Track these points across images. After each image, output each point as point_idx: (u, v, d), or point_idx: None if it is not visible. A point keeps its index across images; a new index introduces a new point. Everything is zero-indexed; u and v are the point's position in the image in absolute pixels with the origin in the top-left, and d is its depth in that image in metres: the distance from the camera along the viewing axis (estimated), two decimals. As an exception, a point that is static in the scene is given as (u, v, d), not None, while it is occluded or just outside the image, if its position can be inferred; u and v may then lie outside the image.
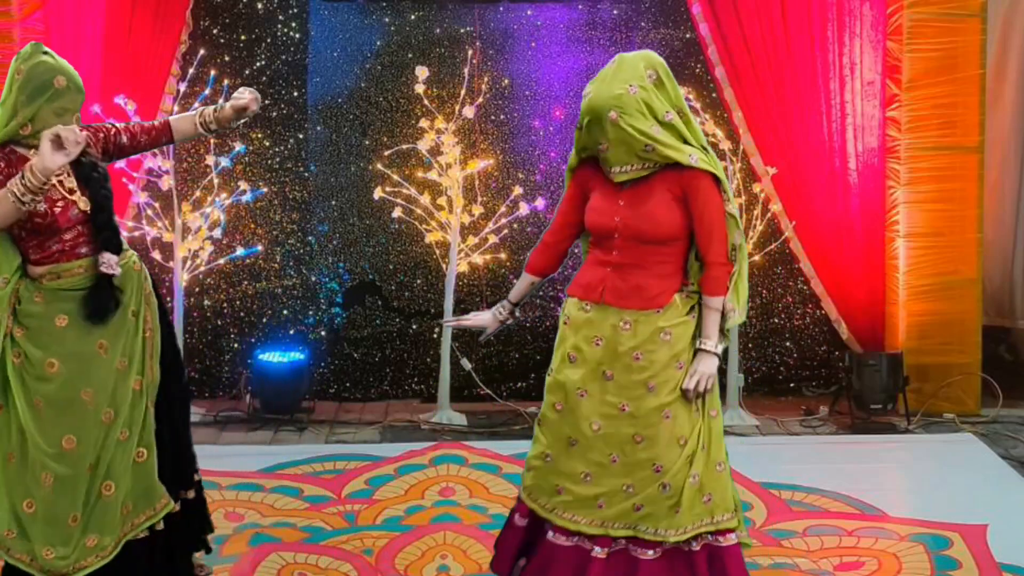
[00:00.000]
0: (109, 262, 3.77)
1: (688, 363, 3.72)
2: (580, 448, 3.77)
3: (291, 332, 7.15)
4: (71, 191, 3.77)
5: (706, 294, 3.72)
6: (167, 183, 6.63)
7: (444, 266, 6.81)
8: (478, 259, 6.90)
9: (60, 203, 3.74)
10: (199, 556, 4.25)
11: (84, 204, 3.79)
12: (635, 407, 3.71)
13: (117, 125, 4.03)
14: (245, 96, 3.93)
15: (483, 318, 4.14)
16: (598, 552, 3.76)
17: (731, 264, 3.72)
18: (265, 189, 7.02)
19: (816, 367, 7.23)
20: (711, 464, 3.75)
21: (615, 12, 7.15)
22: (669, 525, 3.71)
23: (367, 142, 7.14)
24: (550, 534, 3.87)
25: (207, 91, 6.71)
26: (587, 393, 3.77)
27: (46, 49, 3.85)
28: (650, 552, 3.75)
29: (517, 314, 4.14)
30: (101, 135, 3.95)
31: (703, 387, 3.68)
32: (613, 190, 3.74)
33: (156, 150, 6.62)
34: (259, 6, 7.08)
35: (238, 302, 7.17)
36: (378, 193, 6.76)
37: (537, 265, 4.05)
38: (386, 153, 6.97)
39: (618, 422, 3.73)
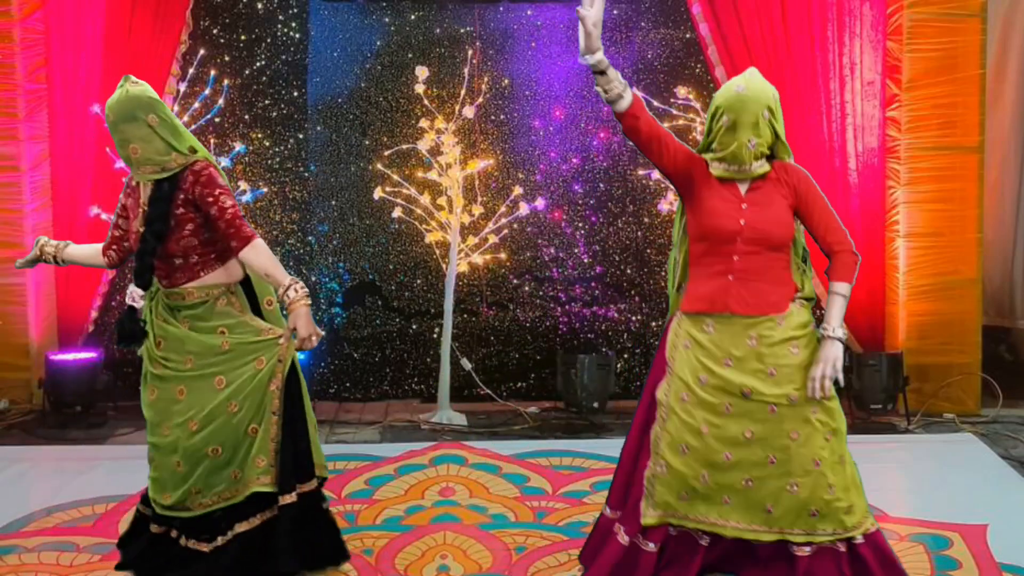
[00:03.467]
0: (132, 294, 4.01)
1: None
2: (736, 459, 3.76)
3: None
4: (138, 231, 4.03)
5: (834, 279, 3.76)
6: (167, 183, 6.62)
7: (444, 266, 6.81)
8: (478, 259, 6.91)
9: (132, 235, 4.08)
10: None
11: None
12: (782, 410, 3.73)
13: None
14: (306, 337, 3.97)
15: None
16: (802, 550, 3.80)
17: (857, 255, 3.78)
18: (265, 189, 7.02)
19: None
20: (850, 460, 3.84)
21: (615, 12, 7.15)
22: (843, 525, 3.77)
23: (367, 142, 7.14)
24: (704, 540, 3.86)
25: (207, 91, 6.72)
26: (731, 408, 3.76)
27: (123, 82, 4.08)
28: (807, 548, 3.79)
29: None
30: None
31: (829, 372, 3.70)
32: (734, 196, 3.77)
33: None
34: (259, 6, 7.08)
35: (238, 302, 7.17)
36: (378, 193, 6.76)
37: (640, 105, 3.88)
38: (386, 153, 6.98)
39: (772, 422, 3.73)
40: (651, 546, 3.86)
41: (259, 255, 3.92)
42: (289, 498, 4.05)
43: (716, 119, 3.78)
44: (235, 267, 4.07)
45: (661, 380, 3.88)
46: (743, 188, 3.78)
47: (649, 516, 3.84)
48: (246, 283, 4.15)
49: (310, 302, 3.92)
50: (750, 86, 3.72)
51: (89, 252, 4.32)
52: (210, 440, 4.00)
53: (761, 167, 3.76)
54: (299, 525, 4.08)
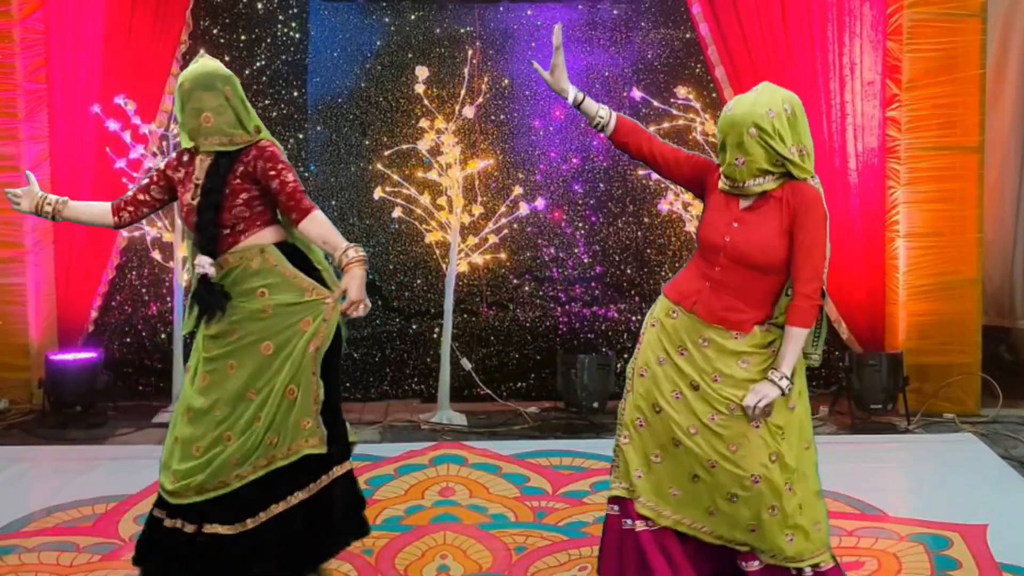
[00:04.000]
0: (201, 263, 3.97)
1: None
2: (684, 449, 3.76)
3: (291, 332, 7.14)
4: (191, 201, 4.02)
5: (789, 324, 3.69)
6: (167, 183, 6.62)
7: (444, 266, 6.81)
8: (478, 259, 6.91)
9: (184, 206, 4.06)
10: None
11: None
12: (723, 420, 3.71)
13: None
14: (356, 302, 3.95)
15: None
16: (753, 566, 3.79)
17: (821, 300, 3.72)
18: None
19: (816, 367, 7.21)
20: (811, 491, 3.78)
21: (615, 12, 7.15)
22: (782, 550, 3.72)
23: (367, 142, 7.14)
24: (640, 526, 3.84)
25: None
26: (681, 396, 3.77)
27: (199, 57, 4.10)
28: (755, 564, 3.77)
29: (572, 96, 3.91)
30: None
31: (760, 405, 3.64)
32: (729, 211, 3.76)
33: (156, 150, 6.65)
34: (259, 6, 7.08)
35: (238, 302, 7.17)
36: (378, 193, 6.76)
37: (628, 125, 3.91)
38: (386, 153, 6.97)
39: (712, 428, 3.72)
40: (639, 524, 3.82)
41: (318, 224, 3.96)
42: (345, 466, 4.03)
43: (718, 137, 3.81)
44: (271, 233, 4.05)
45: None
46: (743, 204, 3.76)
47: (615, 488, 3.87)
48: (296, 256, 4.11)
49: (367, 266, 3.92)
50: (737, 106, 3.70)
51: (96, 211, 4.22)
52: (260, 407, 3.97)
53: (761, 185, 3.71)
54: (342, 502, 4.05)
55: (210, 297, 3.99)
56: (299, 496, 3.99)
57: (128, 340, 7.13)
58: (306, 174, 7.15)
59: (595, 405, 6.62)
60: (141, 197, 4.17)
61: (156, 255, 6.78)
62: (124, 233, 6.80)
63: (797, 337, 3.67)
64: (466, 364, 7.07)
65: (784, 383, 3.64)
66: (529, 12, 7.17)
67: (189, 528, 3.99)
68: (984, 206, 6.82)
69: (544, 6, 7.16)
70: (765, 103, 3.67)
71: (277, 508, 3.98)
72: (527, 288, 7.26)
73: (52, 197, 4.18)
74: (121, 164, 6.55)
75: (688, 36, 7.09)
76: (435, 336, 7.16)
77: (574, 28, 7.17)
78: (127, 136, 6.51)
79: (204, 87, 3.98)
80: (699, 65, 7.07)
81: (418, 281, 7.23)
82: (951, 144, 6.69)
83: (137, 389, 7.14)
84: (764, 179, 3.72)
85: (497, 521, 4.89)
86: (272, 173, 3.96)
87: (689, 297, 3.79)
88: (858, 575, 4.36)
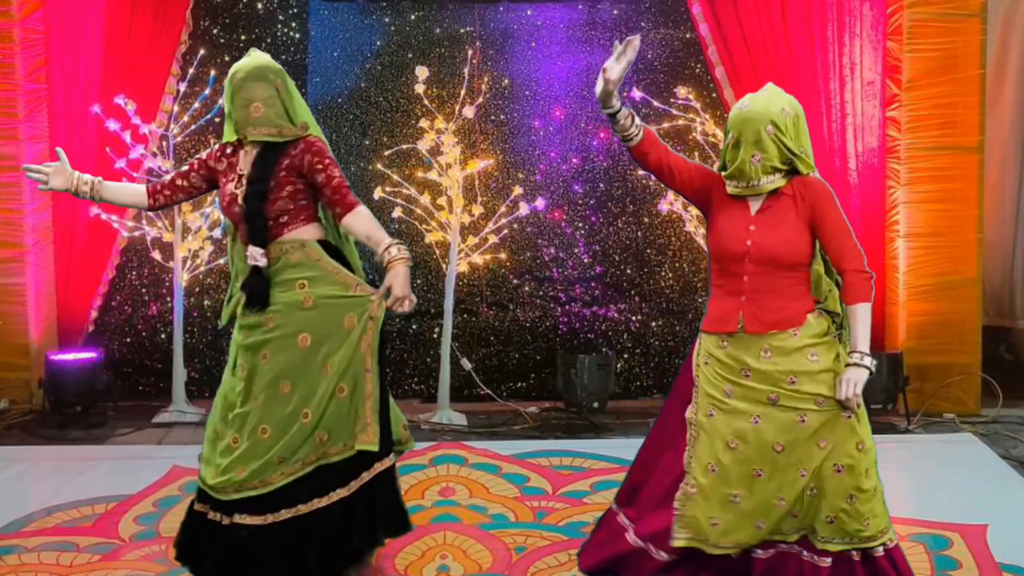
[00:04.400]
0: (253, 255, 4.00)
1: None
2: (769, 472, 3.74)
3: (291, 332, 7.14)
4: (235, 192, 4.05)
5: (850, 303, 3.69)
6: (167, 183, 6.62)
7: (444, 266, 6.81)
8: (478, 259, 6.91)
9: (227, 197, 4.07)
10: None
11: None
12: (810, 419, 3.70)
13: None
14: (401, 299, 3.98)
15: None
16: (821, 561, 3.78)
17: (870, 273, 3.73)
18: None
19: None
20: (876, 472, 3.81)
21: (615, 12, 7.16)
22: (860, 533, 3.73)
23: (367, 142, 7.14)
24: (758, 552, 3.82)
25: (207, 91, 6.72)
26: (759, 420, 3.74)
27: (251, 52, 4.15)
28: (827, 560, 3.76)
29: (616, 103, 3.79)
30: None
31: (848, 393, 3.63)
32: (743, 215, 3.77)
33: (156, 151, 6.65)
34: (259, 6, 7.09)
35: (238, 302, 7.17)
36: (378, 193, 6.76)
37: (651, 137, 3.87)
38: (386, 153, 6.98)
39: (799, 433, 3.70)
40: (663, 555, 3.82)
41: (362, 219, 4.00)
42: (386, 463, 4.04)
43: (726, 136, 3.82)
44: (313, 230, 4.07)
45: (689, 397, 3.86)
46: (755, 206, 3.76)
47: (678, 539, 3.78)
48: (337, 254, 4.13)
49: (410, 263, 3.95)
50: (753, 103, 3.74)
51: (131, 192, 4.25)
52: (303, 403, 3.97)
53: (772, 182, 3.74)
54: (381, 497, 4.07)
55: (260, 287, 4.01)
56: (340, 493, 4.01)
57: (128, 340, 7.14)
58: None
59: (595, 405, 6.62)
60: (179, 183, 4.19)
61: (156, 255, 6.78)
62: (124, 233, 6.80)
63: (863, 314, 3.67)
64: (466, 364, 7.07)
65: (868, 361, 3.64)
66: (529, 12, 7.17)
67: (225, 520, 4.00)
68: (984, 206, 6.82)
69: (544, 6, 7.17)
70: (778, 102, 3.73)
71: (319, 503, 3.99)
72: (527, 288, 7.26)
73: (87, 176, 4.20)
74: (121, 164, 6.55)
75: (688, 36, 7.09)
76: (435, 336, 7.16)
77: (574, 28, 7.17)
78: (127, 136, 6.51)
79: (256, 78, 4.02)
80: (699, 65, 7.07)
81: (418, 281, 7.23)
82: (951, 144, 6.69)
83: (137, 389, 7.14)
84: (775, 176, 3.74)
85: (497, 521, 4.89)
86: (319, 167, 4.00)
87: (731, 320, 3.76)
88: (858, 575, 4.36)
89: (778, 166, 3.73)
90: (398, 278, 3.93)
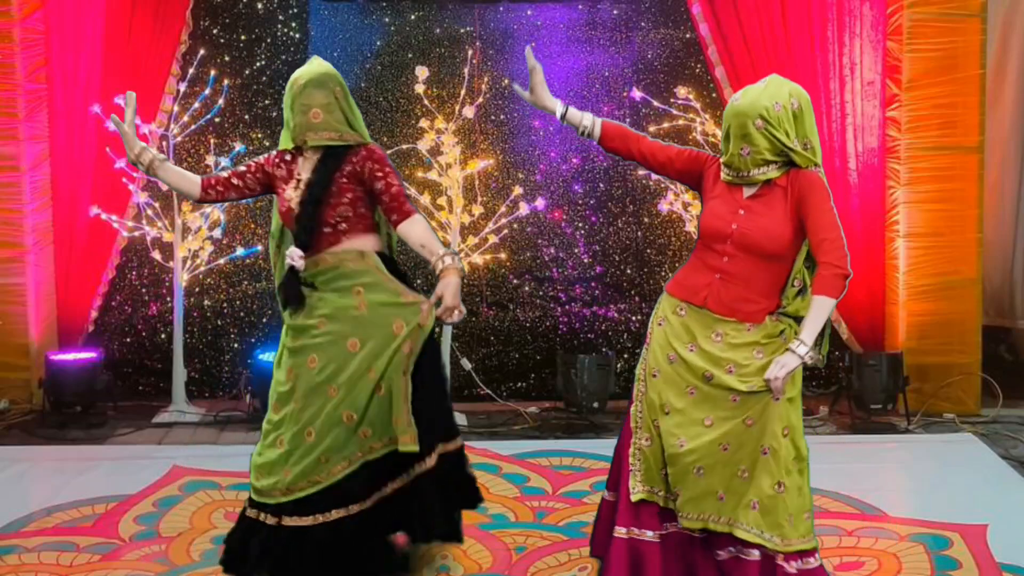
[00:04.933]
0: (291, 255, 4.02)
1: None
2: (689, 447, 3.77)
3: (291, 332, 7.14)
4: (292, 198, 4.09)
5: (814, 292, 3.68)
6: (167, 183, 6.62)
7: (444, 266, 6.80)
8: (478, 259, 6.90)
9: (284, 202, 4.11)
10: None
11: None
12: (742, 399, 3.73)
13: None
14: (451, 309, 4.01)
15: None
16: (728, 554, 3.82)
17: (846, 270, 3.71)
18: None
19: (816, 367, 7.23)
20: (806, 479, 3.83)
21: (615, 12, 7.15)
22: (783, 533, 3.74)
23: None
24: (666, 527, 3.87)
25: (207, 91, 6.72)
26: (695, 391, 3.79)
27: (311, 60, 4.19)
28: (755, 553, 3.78)
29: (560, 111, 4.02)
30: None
31: (782, 375, 3.61)
32: (735, 199, 3.80)
33: (156, 151, 6.64)
34: (259, 6, 7.08)
35: (238, 302, 7.18)
36: (378, 193, 6.75)
37: (614, 130, 3.98)
38: (386, 153, 6.96)
39: (730, 411, 3.74)
40: (649, 534, 3.85)
41: (418, 227, 4.04)
42: (428, 463, 4.05)
43: (723, 126, 3.83)
44: (372, 241, 4.11)
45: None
46: (746, 193, 3.79)
47: (637, 491, 3.87)
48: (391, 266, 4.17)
49: (463, 274, 4.00)
50: (744, 97, 3.75)
51: (186, 179, 4.20)
52: (348, 406, 4.00)
53: (764, 174, 3.75)
54: (440, 487, 4.08)
55: (295, 288, 4.04)
56: (392, 485, 4.05)
57: (128, 340, 7.13)
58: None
59: (595, 405, 6.62)
60: (234, 181, 4.20)
61: (156, 255, 6.78)
62: (124, 233, 6.80)
63: (821, 306, 3.63)
64: (466, 364, 7.07)
65: (803, 350, 3.61)
66: (529, 12, 7.17)
67: (271, 520, 4.03)
68: (984, 206, 6.82)
69: (544, 6, 7.16)
70: (772, 95, 3.72)
71: (369, 500, 4.03)
72: (527, 288, 7.26)
73: (154, 151, 4.17)
74: (121, 164, 6.55)
75: (688, 36, 7.09)
76: (435, 336, 7.14)
77: (574, 28, 7.17)
78: (127, 136, 6.50)
79: (316, 84, 4.07)
80: (699, 65, 7.07)
81: (418, 281, 7.21)
82: (951, 144, 6.69)
83: (137, 389, 7.14)
84: (768, 168, 3.76)
85: (497, 521, 4.89)
86: (379, 175, 4.05)
87: (699, 292, 3.81)
88: (858, 575, 4.37)
89: (770, 158, 3.73)
90: (449, 288, 3.96)
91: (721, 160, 3.84)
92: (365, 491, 4.03)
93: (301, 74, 4.11)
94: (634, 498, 3.86)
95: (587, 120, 3.96)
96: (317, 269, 4.05)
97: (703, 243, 3.86)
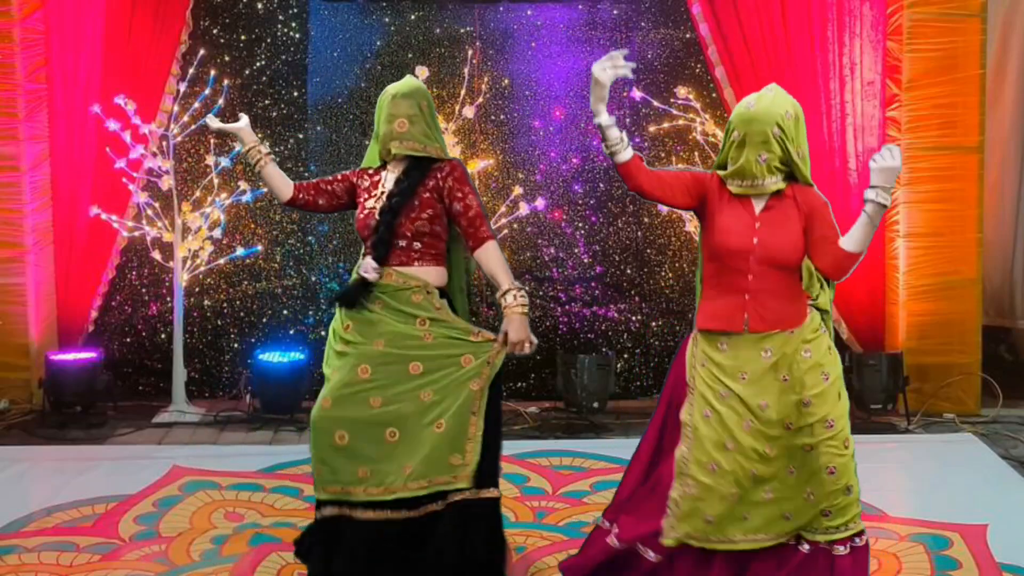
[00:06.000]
0: (366, 267, 4.06)
1: (831, 372, 3.79)
2: (761, 472, 3.78)
3: (291, 332, 7.15)
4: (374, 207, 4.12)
5: (843, 245, 3.87)
6: (167, 183, 6.63)
7: (444, 266, 6.80)
8: (478, 259, 6.90)
9: (364, 211, 4.14)
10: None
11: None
12: (797, 424, 3.75)
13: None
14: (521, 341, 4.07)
15: None
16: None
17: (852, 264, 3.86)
18: (265, 189, 7.01)
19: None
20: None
21: (615, 12, 7.15)
22: (852, 521, 3.80)
23: (367, 142, 7.10)
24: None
25: (207, 91, 6.72)
26: (751, 425, 3.77)
27: (408, 77, 4.28)
28: (805, 547, 3.82)
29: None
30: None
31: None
32: (747, 213, 3.78)
33: (156, 150, 6.65)
34: (259, 6, 7.08)
35: (238, 302, 7.18)
36: (378, 193, 6.75)
37: (639, 161, 3.85)
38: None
39: (786, 438, 3.76)
40: (652, 555, 3.84)
41: (490, 257, 4.07)
42: (491, 492, 4.07)
43: (729, 134, 3.81)
44: (441, 274, 4.13)
45: (681, 400, 3.87)
46: (758, 206, 3.77)
47: (670, 537, 3.80)
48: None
49: (527, 310, 4.03)
50: (760, 103, 3.74)
51: (281, 182, 4.27)
52: (390, 421, 4.00)
53: (776, 183, 3.76)
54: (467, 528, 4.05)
55: (357, 293, 4.06)
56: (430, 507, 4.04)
57: (128, 340, 7.13)
58: (306, 174, 7.15)
59: (595, 405, 6.62)
60: (324, 187, 4.27)
61: (156, 255, 6.78)
62: (124, 233, 6.80)
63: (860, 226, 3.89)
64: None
65: (879, 196, 3.93)
66: (529, 12, 7.17)
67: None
68: (984, 206, 6.82)
69: (544, 6, 7.16)
70: (782, 104, 3.75)
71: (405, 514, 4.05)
72: (527, 288, 7.24)
73: (264, 148, 4.27)
74: (121, 164, 6.56)
75: (688, 36, 7.09)
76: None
77: (574, 28, 7.17)
78: (127, 136, 6.51)
79: (404, 96, 4.12)
80: (699, 65, 7.07)
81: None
82: (951, 144, 6.69)
83: (137, 389, 7.14)
84: (776, 177, 3.77)
85: (497, 521, 4.89)
86: (459, 194, 4.06)
87: (735, 318, 3.77)
88: (858, 575, 4.36)
89: (779, 167, 3.75)
90: (512, 324, 4.03)
91: (727, 170, 3.80)
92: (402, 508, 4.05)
93: (391, 87, 4.18)
94: (665, 543, 3.80)
95: (620, 144, 3.79)
96: (382, 281, 4.06)
97: (718, 266, 3.80)
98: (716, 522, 3.77)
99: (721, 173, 3.82)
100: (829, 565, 3.78)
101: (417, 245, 4.06)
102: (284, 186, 4.27)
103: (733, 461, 3.75)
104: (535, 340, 4.05)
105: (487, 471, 4.07)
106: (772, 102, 3.74)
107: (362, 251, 4.17)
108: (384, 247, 4.06)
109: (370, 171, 4.21)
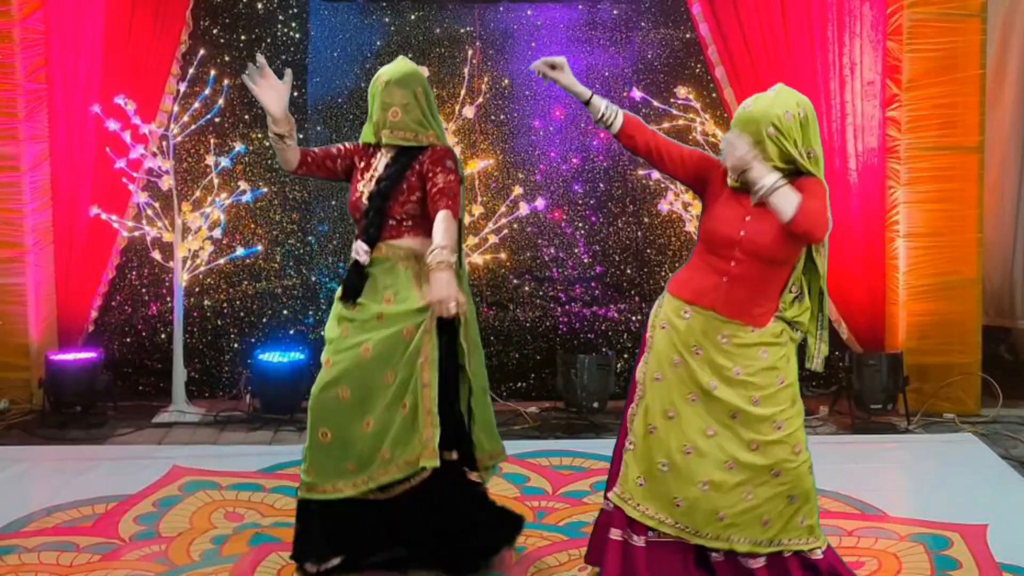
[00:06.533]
0: (357, 249, 4.10)
1: (787, 378, 3.82)
2: (696, 454, 3.80)
3: (291, 332, 7.15)
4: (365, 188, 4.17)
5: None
6: (167, 183, 6.63)
7: (444, 266, 6.80)
8: (478, 259, 6.90)
9: (355, 194, 4.20)
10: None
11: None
12: (744, 417, 3.79)
13: None
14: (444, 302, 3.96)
15: None
16: (716, 557, 3.88)
17: (820, 226, 3.73)
18: (265, 189, 7.02)
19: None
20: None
21: (615, 12, 7.15)
22: (795, 535, 3.82)
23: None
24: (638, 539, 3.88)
25: (207, 91, 6.72)
26: (697, 398, 3.82)
27: (398, 59, 4.27)
28: (760, 560, 3.85)
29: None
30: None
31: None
32: (741, 205, 3.82)
33: (156, 150, 6.65)
34: (259, 6, 7.08)
35: (238, 302, 7.17)
36: (378, 193, 6.75)
37: (633, 123, 3.91)
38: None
39: (733, 428, 3.79)
40: (638, 539, 3.87)
41: (436, 222, 4.01)
42: (450, 455, 4.13)
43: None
44: (428, 246, 4.10)
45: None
46: (753, 199, 3.80)
47: (613, 493, 3.91)
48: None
49: (449, 267, 3.91)
50: (757, 103, 3.79)
51: (294, 151, 4.29)
52: (363, 411, 4.06)
53: None
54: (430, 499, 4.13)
55: (355, 282, 4.10)
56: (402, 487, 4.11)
57: (128, 340, 7.13)
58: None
59: (595, 405, 6.62)
60: (327, 164, 4.32)
61: (156, 255, 6.78)
62: (124, 233, 6.80)
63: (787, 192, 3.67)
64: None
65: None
66: (529, 12, 7.17)
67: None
68: (984, 206, 6.82)
69: (544, 6, 7.16)
70: (783, 104, 3.76)
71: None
72: (527, 288, 7.26)
73: (294, 137, 4.26)
74: (121, 164, 6.55)
75: (688, 36, 7.09)
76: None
77: (574, 28, 7.16)
78: (127, 136, 6.51)
79: (398, 83, 4.14)
80: (699, 65, 7.07)
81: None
82: (951, 144, 6.69)
83: (137, 389, 7.13)
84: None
85: (497, 521, 4.88)
86: (431, 174, 4.09)
87: (706, 294, 3.83)
88: (858, 575, 4.36)
89: (779, 165, 3.76)
90: (431, 284, 3.93)
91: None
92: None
93: (385, 72, 4.19)
94: (609, 495, 3.91)
95: (610, 109, 3.90)
96: (372, 257, 4.12)
97: (707, 247, 3.87)
98: (647, 487, 3.83)
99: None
100: None
101: (408, 223, 4.12)
102: (294, 157, 4.29)
103: (670, 429, 3.81)
104: (462, 298, 3.95)
105: (449, 437, 4.11)
106: (771, 102, 3.76)
107: (355, 232, 4.22)
108: (375, 231, 4.10)
109: (368, 150, 4.26)
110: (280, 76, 4.22)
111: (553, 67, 3.88)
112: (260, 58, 4.26)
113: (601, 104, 3.89)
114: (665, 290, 3.97)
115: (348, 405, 4.08)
